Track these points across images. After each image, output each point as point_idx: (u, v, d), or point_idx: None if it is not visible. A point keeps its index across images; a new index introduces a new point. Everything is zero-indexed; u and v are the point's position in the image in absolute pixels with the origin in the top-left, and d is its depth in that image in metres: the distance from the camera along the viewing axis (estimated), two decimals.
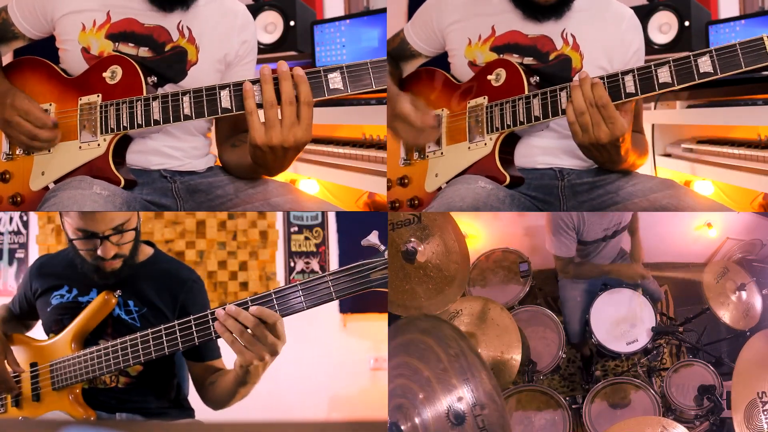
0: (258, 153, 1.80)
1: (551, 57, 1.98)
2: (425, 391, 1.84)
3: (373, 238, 1.78)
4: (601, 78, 1.82)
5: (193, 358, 2.08)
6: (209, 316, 1.79)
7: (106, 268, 2.00)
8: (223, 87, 1.81)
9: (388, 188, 2.15)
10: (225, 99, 1.81)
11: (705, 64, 1.76)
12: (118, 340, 1.89)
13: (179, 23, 1.93)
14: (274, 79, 1.76)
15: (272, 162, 1.83)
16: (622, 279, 2.75)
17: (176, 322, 1.83)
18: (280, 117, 1.76)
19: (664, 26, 3.12)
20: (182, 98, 1.82)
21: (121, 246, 1.98)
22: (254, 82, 1.78)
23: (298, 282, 1.76)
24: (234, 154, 2.03)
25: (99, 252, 1.95)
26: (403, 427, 1.82)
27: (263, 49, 3.16)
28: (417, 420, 1.83)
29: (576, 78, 1.82)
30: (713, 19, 3.09)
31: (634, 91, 1.80)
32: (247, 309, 1.70)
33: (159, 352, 1.86)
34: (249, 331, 1.69)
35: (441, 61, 2.14)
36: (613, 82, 1.82)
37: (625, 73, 1.81)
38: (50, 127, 1.87)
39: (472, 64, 2.04)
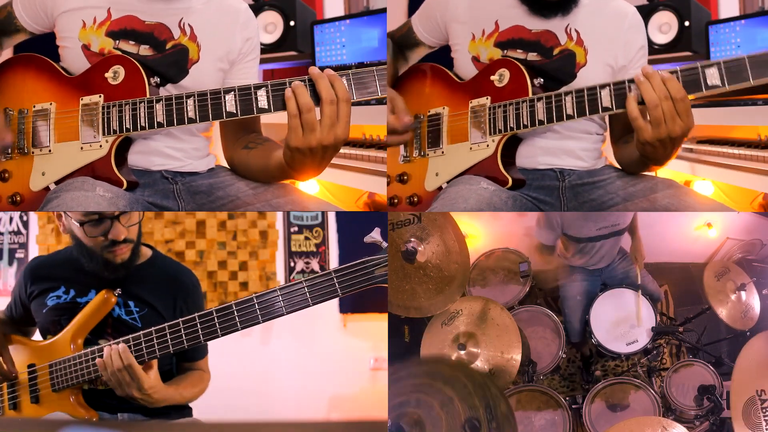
0: (296, 156, 1.78)
1: (555, 52, 1.98)
2: (445, 406, 1.84)
3: (375, 234, 1.80)
4: (608, 84, 1.84)
5: (181, 358, 2.10)
6: (214, 314, 1.80)
7: (116, 258, 2.00)
8: (227, 91, 1.81)
9: (387, 184, 2.15)
10: (230, 103, 1.81)
11: (713, 76, 1.77)
12: (120, 339, 1.89)
13: (180, 20, 1.93)
14: (309, 83, 1.76)
15: (310, 164, 1.80)
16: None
17: (180, 320, 1.84)
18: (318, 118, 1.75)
19: (664, 26, 3.12)
20: (186, 101, 1.82)
21: (129, 228, 1.98)
22: (279, 85, 1.78)
23: (303, 279, 1.78)
24: (251, 156, 2.00)
25: (110, 235, 1.95)
26: None
27: (263, 49, 3.15)
28: (429, 426, 1.83)
29: (640, 72, 1.80)
30: (713, 19, 3.09)
31: (640, 101, 1.80)
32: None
33: (163, 350, 1.86)
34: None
35: (444, 57, 2.14)
36: (619, 90, 1.82)
37: (632, 81, 1.81)
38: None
39: (475, 60, 2.04)
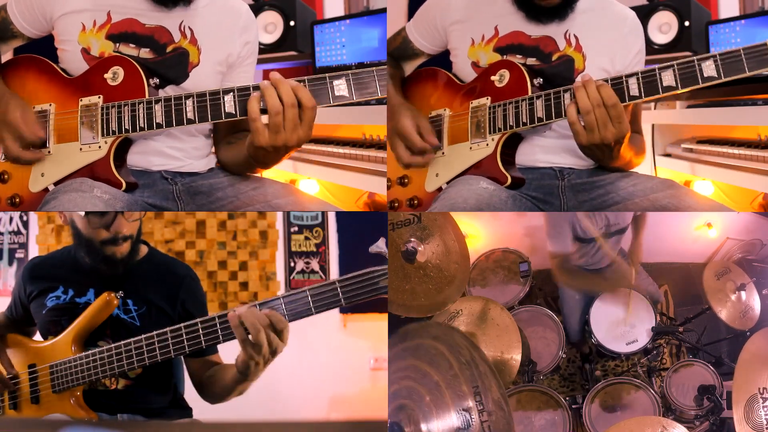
0: (260, 153, 1.82)
1: (554, 57, 1.99)
2: (433, 395, 1.83)
3: (381, 245, 1.80)
4: (606, 80, 1.83)
5: (191, 354, 2.09)
6: (216, 320, 1.81)
7: (117, 254, 1.99)
8: (227, 91, 1.81)
9: (388, 188, 2.15)
10: (229, 103, 1.81)
11: (709, 68, 1.77)
12: (122, 342, 1.89)
13: (181, 23, 1.93)
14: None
15: (273, 159, 1.87)
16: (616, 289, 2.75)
17: (182, 324, 1.84)
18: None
19: (664, 26, 3.12)
20: (185, 102, 1.82)
21: (130, 224, 1.98)
22: (254, 88, 1.80)
23: (307, 288, 1.79)
24: (230, 151, 2.04)
25: (112, 229, 1.95)
26: (406, 429, 1.82)
27: (263, 49, 3.16)
28: (422, 422, 1.83)
29: (578, 79, 1.83)
30: (713, 19, 3.10)
31: (637, 94, 1.80)
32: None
33: (165, 355, 1.86)
34: (261, 331, 1.73)
35: (443, 60, 2.14)
36: (617, 85, 1.82)
37: (629, 76, 1.81)
38: (37, 142, 1.86)
39: (474, 65, 2.04)
